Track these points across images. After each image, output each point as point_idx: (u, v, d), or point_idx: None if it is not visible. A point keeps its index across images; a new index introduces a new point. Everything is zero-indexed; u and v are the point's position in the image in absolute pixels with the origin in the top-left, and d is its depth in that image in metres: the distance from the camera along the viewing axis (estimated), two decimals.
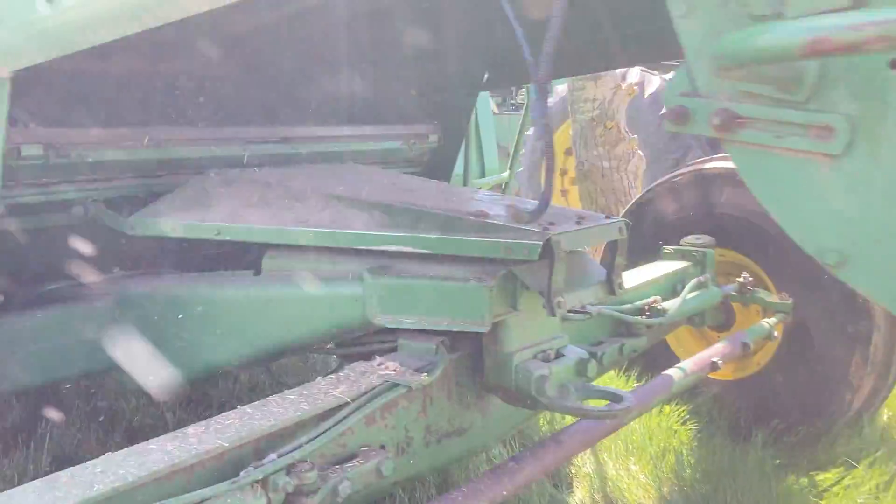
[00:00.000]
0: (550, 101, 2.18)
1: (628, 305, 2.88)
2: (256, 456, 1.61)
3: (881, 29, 0.96)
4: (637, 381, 3.87)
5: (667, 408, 3.66)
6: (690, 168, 3.96)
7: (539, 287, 1.95)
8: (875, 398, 3.55)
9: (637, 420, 3.48)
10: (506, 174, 6.70)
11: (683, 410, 3.65)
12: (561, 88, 8.78)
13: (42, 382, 2.65)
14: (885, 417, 3.65)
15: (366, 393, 1.86)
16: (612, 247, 2.27)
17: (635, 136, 6.96)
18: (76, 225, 2.75)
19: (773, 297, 3.49)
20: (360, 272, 2.14)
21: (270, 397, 1.81)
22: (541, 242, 1.88)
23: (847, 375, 3.39)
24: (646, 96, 8.71)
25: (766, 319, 3.44)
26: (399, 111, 3.99)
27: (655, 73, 8.85)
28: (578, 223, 2.09)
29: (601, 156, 6.79)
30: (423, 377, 1.95)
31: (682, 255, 3.50)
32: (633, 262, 3.30)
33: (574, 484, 3.19)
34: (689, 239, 3.58)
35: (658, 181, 4.06)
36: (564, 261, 1.92)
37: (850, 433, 3.22)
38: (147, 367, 2.50)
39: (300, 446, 1.65)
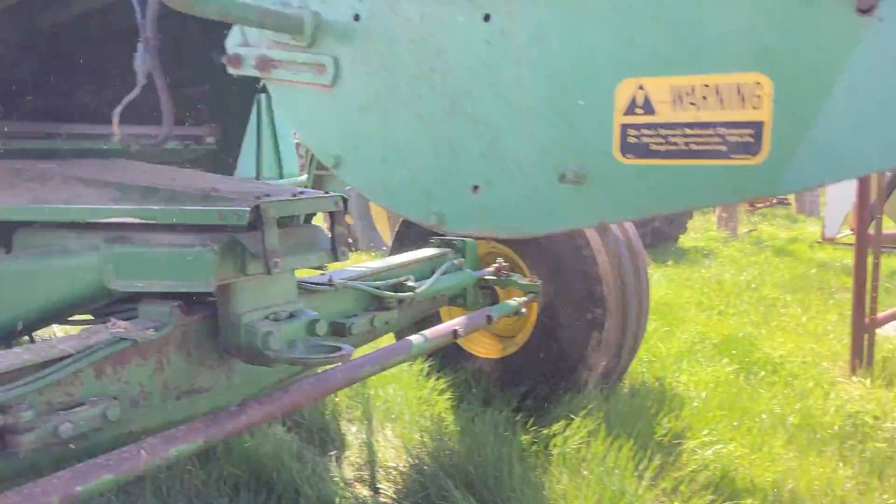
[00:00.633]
0: None
1: (380, 282, 3.24)
2: None
3: None
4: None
5: (430, 381, 4.07)
6: None
7: (256, 250, 2.23)
8: (609, 376, 4.16)
9: (399, 392, 3.86)
10: (304, 177, 6.93)
11: (442, 383, 4.06)
12: None
13: None
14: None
15: (91, 346, 2.06)
16: (331, 217, 2.60)
17: None
18: None
19: (525, 280, 4.00)
20: (97, 243, 2.33)
21: None
22: (248, 209, 2.16)
23: (585, 356, 3.95)
24: None
25: (514, 298, 3.93)
26: (178, 112, 4.14)
27: None
28: (294, 195, 2.40)
29: None
30: (150, 332, 2.16)
31: (445, 244, 3.95)
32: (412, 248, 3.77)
33: (339, 448, 3.48)
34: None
35: None
36: (275, 226, 2.21)
37: (574, 393, 3.75)
38: None
39: (15, 388, 1.82)
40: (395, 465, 3.38)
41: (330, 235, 2.64)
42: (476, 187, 1.46)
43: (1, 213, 2.49)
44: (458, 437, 3.52)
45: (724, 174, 1.25)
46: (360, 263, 3.40)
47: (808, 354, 5.55)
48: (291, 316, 2.49)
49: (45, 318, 2.66)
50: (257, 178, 5.68)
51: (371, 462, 3.43)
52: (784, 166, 1.19)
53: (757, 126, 1.22)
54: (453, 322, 3.43)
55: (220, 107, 4.18)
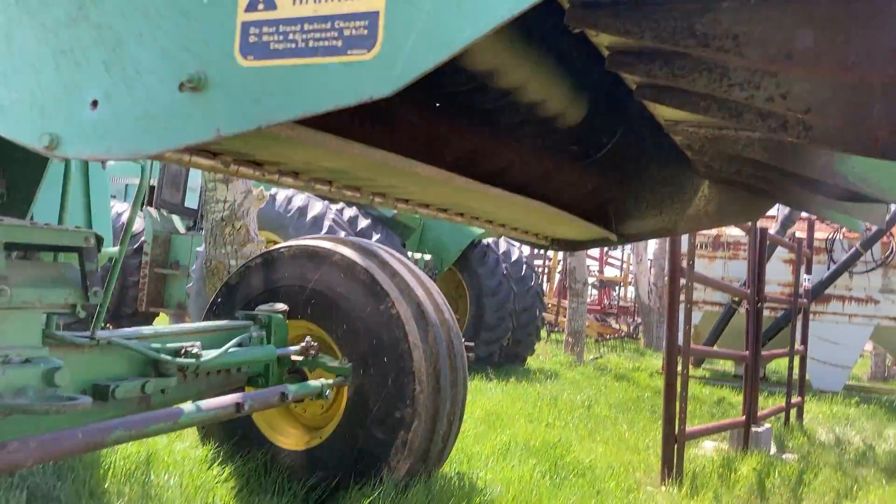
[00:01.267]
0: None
1: (158, 345, 2.92)
2: None
3: None
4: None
5: (215, 467, 3.67)
6: (292, 243, 4.20)
7: None
8: (411, 479, 3.83)
9: (174, 475, 3.43)
10: (114, 249, 6.49)
11: (229, 471, 3.67)
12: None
13: None
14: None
15: None
16: (80, 255, 2.32)
17: (263, 240, 7.26)
18: None
19: (335, 363, 3.73)
20: None
21: None
22: None
23: (388, 457, 3.64)
24: (279, 202, 9.26)
25: (321, 379, 3.63)
26: None
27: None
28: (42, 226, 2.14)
29: (229, 254, 6.94)
30: None
31: (249, 318, 3.75)
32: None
33: None
34: (264, 307, 3.86)
35: (264, 251, 4.27)
36: (1, 250, 1.93)
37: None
38: None
39: None
40: None
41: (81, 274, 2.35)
42: (95, 102, 1.24)
43: None
44: None
45: (341, 72, 1.10)
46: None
47: (621, 463, 5.45)
48: (27, 361, 2.15)
49: None
50: None
51: None
52: (396, 58, 1.04)
53: (372, 17, 1.08)
54: (237, 395, 3.08)
55: (8, 162, 3.82)
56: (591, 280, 28.98)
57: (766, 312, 11.48)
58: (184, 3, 1.23)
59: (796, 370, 8.76)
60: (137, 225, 12.12)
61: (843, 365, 12.12)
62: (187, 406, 2.91)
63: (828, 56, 1.15)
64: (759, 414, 6.89)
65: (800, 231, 11.41)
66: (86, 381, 2.69)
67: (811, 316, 12.22)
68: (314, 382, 3.62)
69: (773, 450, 6.87)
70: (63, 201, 4.96)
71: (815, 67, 1.17)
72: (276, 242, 8.88)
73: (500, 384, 9.42)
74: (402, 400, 3.69)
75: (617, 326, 24.21)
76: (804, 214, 11.54)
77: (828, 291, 12.13)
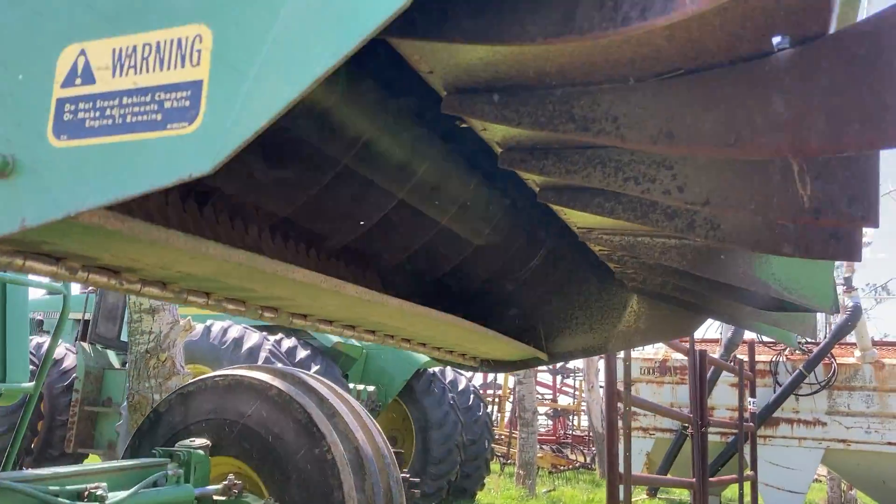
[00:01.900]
0: None
1: (58, 488, 2.66)
2: None
3: None
4: None
5: None
6: (226, 373, 3.94)
7: None
8: None
9: None
10: (30, 385, 6.09)
11: None
12: None
13: None
14: None
15: None
16: None
17: (189, 372, 6.95)
18: None
19: (259, 501, 3.46)
20: None
21: None
22: None
23: None
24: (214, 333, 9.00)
25: None
26: None
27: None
28: None
29: (153, 388, 6.61)
30: None
31: (166, 454, 3.47)
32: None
33: None
34: (185, 442, 3.59)
35: (195, 380, 4.00)
36: None
37: None
38: None
39: None
40: None
41: None
42: None
43: None
44: None
45: (159, 149, 0.95)
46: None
47: None
48: None
49: None
50: None
51: None
52: (218, 130, 0.91)
53: (196, 86, 0.95)
54: None
55: None
56: (544, 409, 28.52)
57: (717, 438, 11.29)
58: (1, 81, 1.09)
59: (749, 496, 8.49)
60: (69, 361, 11.62)
61: (796, 490, 11.84)
62: None
63: (709, 134, 1.06)
64: None
65: (742, 353, 11.43)
66: None
67: (762, 440, 12.04)
68: None
69: None
70: None
71: (697, 146, 1.08)
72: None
73: None
74: None
75: (573, 457, 23.61)
76: (747, 336, 11.60)
77: (776, 415, 12.02)
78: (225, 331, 9.03)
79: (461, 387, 11.97)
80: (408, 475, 9.41)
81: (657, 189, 1.44)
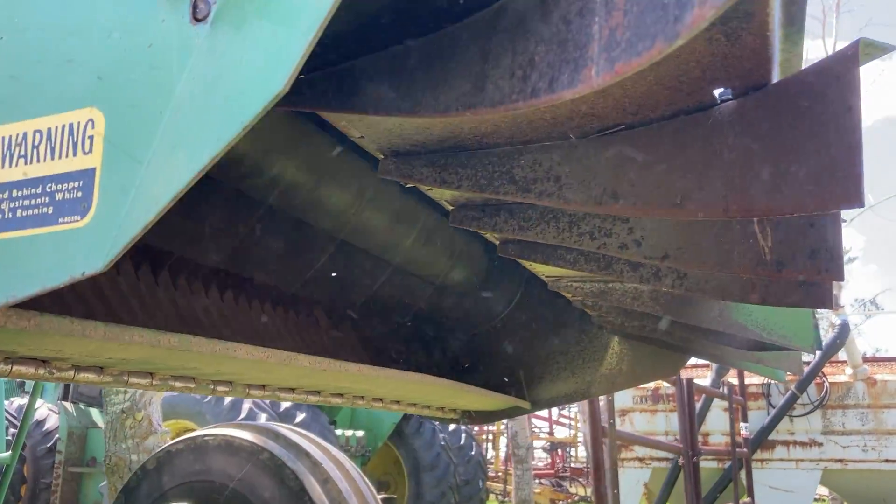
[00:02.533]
0: None
1: None
2: None
3: None
4: None
5: None
6: (217, 432, 3.81)
7: None
8: None
9: None
10: (6, 455, 5.93)
11: None
12: None
13: None
14: None
15: None
16: None
17: (168, 430, 6.79)
18: None
19: None
20: None
21: None
22: None
23: None
24: None
25: None
26: None
27: None
28: None
29: (130, 448, 6.43)
30: None
31: None
32: None
33: None
34: None
35: (184, 437, 3.86)
36: None
37: None
38: None
39: None
40: None
41: None
42: None
43: None
44: None
45: (50, 245, 0.86)
46: None
47: None
48: None
49: None
50: None
51: None
52: (112, 222, 0.82)
53: (88, 175, 0.87)
54: None
55: None
56: (540, 443, 28.19)
57: (714, 464, 11.13)
58: None
59: None
60: (52, 422, 11.38)
61: None
62: None
63: (654, 193, 0.99)
64: None
65: (733, 377, 11.33)
66: None
67: (759, 464, 11.90)
68: None
69: None
70: None
71: (642, 207, 1.00)
72: (192, 430, 8.31)
73: None
74: None
75: (573, 490, 23.27)
76: None
77: (771, 437, 11.89)
78: None
79: (452, 426, 11.78)
80: None
81: (614, 244, 1.36)
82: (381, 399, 2.69)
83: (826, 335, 12.35)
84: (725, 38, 0.80)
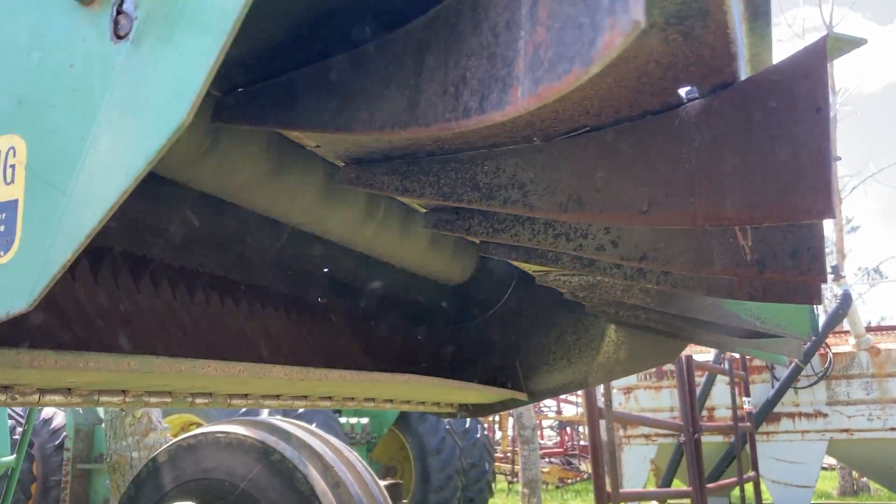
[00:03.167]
0: None
1: None
2: None
3: None
4: None
5: None
6: (227, 429, 3.78)
7: None
8: None
9: None
10: (10, 458, 5.94)
11: None
12: None
13: None
14: None
15: None
16: None
17: (167, 426, 6.79)
18: None
19: None
20: None
21: None
22: None
23: None
24: None
25: None
26: None
27: None
28: None
29: (130, 446, 6.43)
30: None
31: None
32: None
33: None
34: None
35: (190, 434, 3.85)
36: None
37: None
38: None
39: None
40: None
41: None
42: None
43: None
44: None
45: None
46: None
47: None
48: None
49: None
50: None
51: None
52: (35, 257, 0.76)
53: (10, 207, 0.81)
54: None
55: None
56: (549, 422, 28.26)
57: (719, 439, 11.12)
58: None
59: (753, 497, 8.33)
60: (59, 420, 11.41)
61: (804, 485, 11.68)
62: None
63: (620, 200, 0.93)
64: None
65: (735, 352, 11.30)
66: None
67: (765, 437, 11.88)
68: None
69: None
70: None
71: (609, 214, 0.95)
72: (197, 425, 8.30)
73: None
74: None
75: (583, 468, 23.34)
76: None
77: (777, 410, 11.88)
78: None
79: None
80: None
81: (590, 245, 1.30)
82: (372, 399, 2.65)
83: (829, 305, 12.30)
84: (683, 38, 0.74)
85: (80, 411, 11.45)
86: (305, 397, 2.27)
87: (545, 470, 19.22)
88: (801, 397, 11.90)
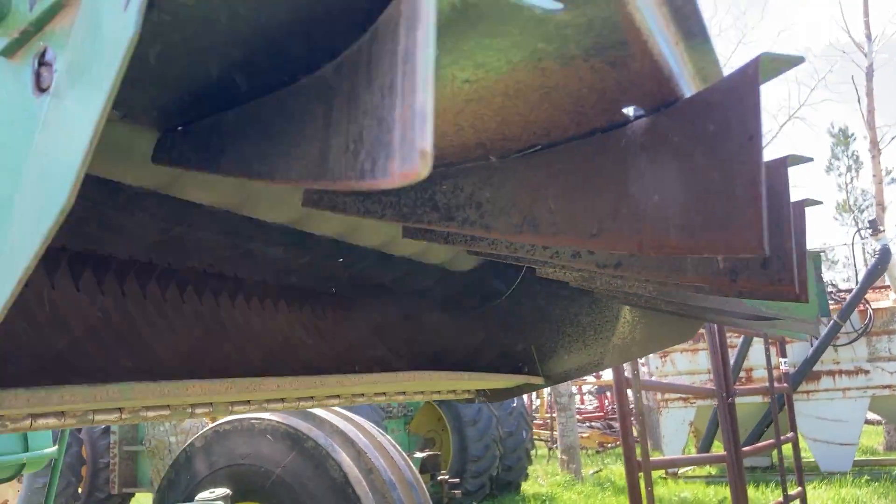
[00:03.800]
0: None
1: None
2: None
3: None
4: None
5: None
6: (264, 416, 3.87)
7: None
8: None
9: None
10: (53, 450, 6.16)
11: None
12: None
13: None
14: None
15: None
16: None
17: None
18: None
19: None
20: None
21: None
22: None
23: None
24: None
25: None
26: None
27: None
28: None
29: (168, 431, 6.59)
30: None
31: None
32: None
33: None
34: (204, 494, 3.53)
35: (224, 421, 3.95)
36: None
37: None
38: None
39: None
40: None
41: None
42: None
43: None
44: None
45: None
46: None
47: None
48: None
49: None
50: None
51: None
52: None
53: None
54: None
55: None
56: (588, 387, 28.25)
57: (758, 399, 11.01)
58: None
59: (792, 457, 8.24)
60: None
61: (847, 442, 11.55)
62: None
63: (571, 222, 0.90)
64: None
65: None
66: None
67: (805, 396, 11.73)
68: None
69: None
70: None
71: (560, 237, 0.91)
72: None
73: None
74: None
75: None
76: None
77: (816, 368, 11.72)
78: None
79: None
80: (447, 476, 9.32)
81: (566, 252, 1.27)
82: (384, 393, 2.66)
83: (869, 260, 12.02)
84: (610, 66, 0.70)
85: None
86: (312, 398, 2.28)
87: (584, 435, 19.25)
88: (840, 354, 11.71)
